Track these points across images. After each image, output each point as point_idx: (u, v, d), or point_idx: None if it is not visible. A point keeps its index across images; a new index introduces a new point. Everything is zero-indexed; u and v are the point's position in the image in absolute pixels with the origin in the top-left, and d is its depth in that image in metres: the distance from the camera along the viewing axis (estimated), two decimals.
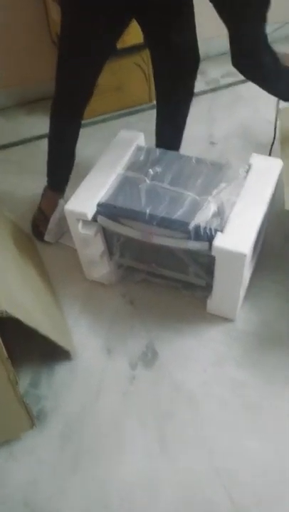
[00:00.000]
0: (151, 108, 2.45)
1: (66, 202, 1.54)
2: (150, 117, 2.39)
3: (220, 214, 1.47)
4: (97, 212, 1.52)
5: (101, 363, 1.55)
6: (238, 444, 1.36)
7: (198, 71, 2.63)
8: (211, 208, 1.48)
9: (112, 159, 1.63)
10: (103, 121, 2.39)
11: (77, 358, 1.56)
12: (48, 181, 1.90)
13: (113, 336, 1.61)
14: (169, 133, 1.93)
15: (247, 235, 1.42)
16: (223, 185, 1.54)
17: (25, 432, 1.40)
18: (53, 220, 1.87)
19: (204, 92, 2.52)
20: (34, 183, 2.03)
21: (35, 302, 1.52)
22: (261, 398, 1.44)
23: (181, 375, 1.50)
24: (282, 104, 1.79)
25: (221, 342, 1.57)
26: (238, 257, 1.40)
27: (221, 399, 1.45)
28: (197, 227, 1.43)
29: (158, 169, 1.59)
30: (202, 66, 2.69)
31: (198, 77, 2.61)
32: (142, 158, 1.64)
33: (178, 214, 1.46)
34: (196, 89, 2.52)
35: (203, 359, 1.53)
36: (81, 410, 1.45)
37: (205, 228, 1.43)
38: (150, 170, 1.59)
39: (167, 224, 1.45)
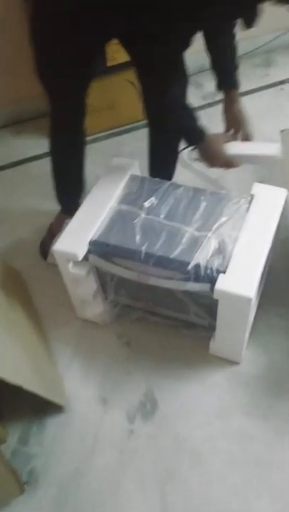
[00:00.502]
0: (144, 126, 2.33)
1: None
2: (144, 136, 2.27)
3: (221, 252, 1.34)
4: (89, 251, 1.40)
5: (96, 416, 1.42)
6: (247, 507, 1.24)
7: (196, 85, 2.53)
8: (212, 244, 1.35)
9: (103, 191, 1.50)
10: (95, 141, 2.26)
11: (70, 410, 1.43)
12: (60, 206, 1.81)
13: (108, 383, 1.48)
14: (163, 158, 1.82)
15: (251, 276, 1.29)
16: (223, 219, 1.41)
17: (15, 498, 1.28)
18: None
19: (201, 108, 2.39)
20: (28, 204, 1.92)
21: (23, 352, 1.40)
22: (271, 452, 1.32)
23: (183, 429, 1.38)
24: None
25: (226, 389, 1.45)
26: (242, 301, 1.28)
27: (228, 455, 1.32)
28: (197, 268, 1.31)
29: (154, 201, 1.47)
30: (198, 79, 2.59)
31: (195, 91, 2.52)
32: (136, 189, 1.52)
33: (176, 252, 1.34)
34: (193, 105, 2.41)
35: (207, 409, 1.41)
36: (75, 471, 1.32)
37: (206, 268, 1.30)
38: (145, 203, 1.46)
39: (165, 264, 1.33)
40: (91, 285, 1.48)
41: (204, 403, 1.42)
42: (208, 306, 1.41)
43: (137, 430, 1.38)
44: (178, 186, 1.51)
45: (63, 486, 1.30)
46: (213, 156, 1.49)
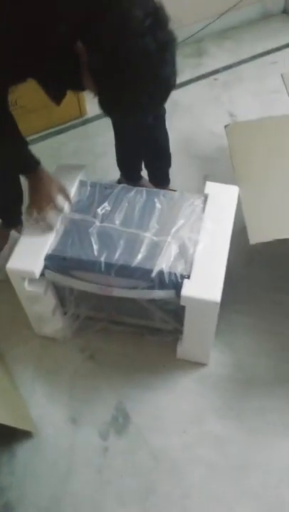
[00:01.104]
0: (82, 124, 2.25)
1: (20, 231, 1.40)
2: (83, 134, 2.20)
3: (183, 256, 1.31)
4: (45, 267, 1.32)
5: (67, 437, 1.36)
6: None
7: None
8: (172, 249, 1.32)
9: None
10: (32, 142, 2.15)
11: (39, 434, 1.36)
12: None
13: (76, 401, 1.42)
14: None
15: (215, 279, 1.27)
16: (180, 221, 1.38)
17: None
18: (3, 256, 1.65)
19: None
20: None
21: None
22: (248, 454, 1.32)
23: (159, 440, 1.35)
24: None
25: (197, 393, 1.43)
26: (209, 305, 1.25)
27: (206, 463, 1.31)
28: (161, 274, 1.27)
29: (107, 207, 1.41)
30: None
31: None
32: (86, 196, 1.45)
33: (137, 260, 1.29)
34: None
35: (180, 417, 1.39)
36: (52, 498, 1.27)
37: (170, 274, 1.27)
38: (98, 210, 1.40)
39: (127, 273, 1.28)
40: (49, 301, 1.41)
41: (177, 410, 1.40)
42: (174, 311, 1.38)
43: (111, 447, 1.34)
44: (130, 189, 1.46)
45: None
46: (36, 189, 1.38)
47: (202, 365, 1.48)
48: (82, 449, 1.34)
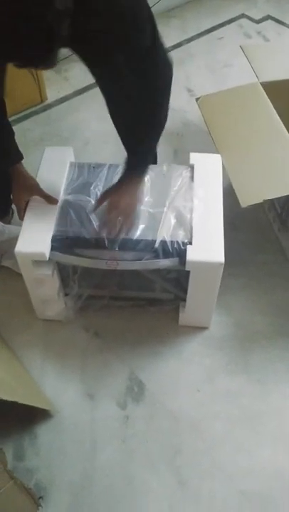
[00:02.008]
0: (43, 109, 2.23)
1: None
2: (46, 119, 2.19)
3: (182, 224, 1.36)
4: (51, 248, 1.33)
5: (86, 413, 1.39)
6: (253, 460, 1.31)
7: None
8: (171, 219, 1.37)
9: (47, 185, 1.43)
10: None
11: (58, 413, 1.38)
12: None
13: (89, 378, 1.45)
14: None
15: (217, 241, 1.34)
16: (173, 192, 1.43)
17: None
18: None
19: (95, 85, 2.32)
20: None
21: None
22: (261, 403, 1.40)
23: (175, 402, 1.40)
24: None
25: (203, 354, 1.49)
26: (214, 267, 1.31)
27: (223, 416, 1.38)
28: (164, 244, 1.31)
29: (99, 186, 1.43)
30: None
31: (85, 68, 2.45)
32: (77, 176, 1.47)
33: (138, 233, 1.34)
34: (86, 82, 2.36)
35: (191, 378, 1.45)
36: (82, 473, 1.29)
37: (172, 243, 1.32)
38: (91, 188, 1.42)
39: (131, 246, 1.32)
40: (55, 283, 1.42)
41: (187, 373, 1.46)
42: (176, 279, 1.43)
43: (131, 415, 1.38)
44: (117, 166, 1.49)
45: (74, 492, 1.26)
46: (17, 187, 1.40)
47: (204, 328, 1.54)
48: (103, 421, 1.37)
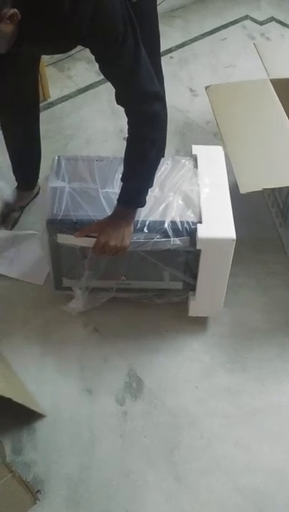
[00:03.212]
0: (46, 107, 2.24)
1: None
2: (50, 117, 2.20)
3: (190, 206, 1.37)
4: (61, 231, 1.34)
5: (85, 408, 1.39)
6: (251, 456, 1.31)
7: (86, 60, 2.48)
8: (179, 201, 1.38)
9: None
10: None
11: (56, 408, 1.39)
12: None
13: (88, 373, 1.45)
14: None
15: (227, 219, 1.34)
16: (177, 179, 1.43)
17: (29, 508, 1.22)
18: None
19: (99, 83, 2.36)
20: None
21: None
22: (259, 400, 1.41)
23: (173, 398, 1.41)
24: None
25: (202, 352, 1.50)
26: (226, 243, 1.32)
27: (221, 413, 1.38)
28: (174, 224, 1.32)
29: (104, 176, 1.43)
30: (88, 54, 2.51)
31: (88, 66, 2.47)
32: (82, 168, 1.46)
33: (148, 215, 1.34)
34: (89, 81, 2.37)
35: (190, 375, 1.45)
36: (80, 468, 1.29)
37: (182, 223, 1.32)
38: (97, 178, 1.42)
39: (141, 227, 1.32)
40: None
41: (185, 370, 1.46)
42: (184, 263, 1.41)
43: (130, 410, 1.38)
44: (121, 159, 1.48)
45: (72, 485, 1.26)
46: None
47: (202, 326, 1.55)
48: (101, 416, 1.38)
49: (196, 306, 1.51)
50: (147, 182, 1.30)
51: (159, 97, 1.23)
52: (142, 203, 1.31)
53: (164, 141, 1.69)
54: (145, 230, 1.32)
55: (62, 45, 1.16)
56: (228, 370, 1.46)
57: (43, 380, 1.44)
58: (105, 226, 1.30)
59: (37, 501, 1.21)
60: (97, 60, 1.17)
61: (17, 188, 1.85)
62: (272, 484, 1.27)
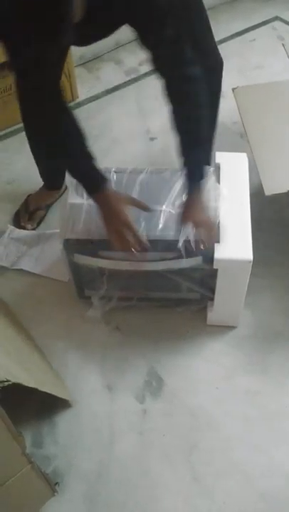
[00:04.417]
0: (74, 107, 2.26)
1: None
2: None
3: None
4: (74, 251, 1.35)
5: (105, 404, 1.41)
6: (270, 459, 1.31)
7: (115, 61, 2.50)
8: None
9: None
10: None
11: (77, 403, 1.40)
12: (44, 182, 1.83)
13: (109, 370, 1.47)
14: None
15: (244, 239, 1.34)
16: None
17: (47, 501, 1.24)
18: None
19: (127, 84, 2.37)
20: None
21: (19, 354, 1.34)
22: (278, 402, 1.40)
23: (193, 399, 1.41)
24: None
25: (223, 353, 1.49)
26: (243, 264, 1.31)
27: (241, 415, 1.38)
28: (187, 243, 1.31)
29: (121, 191, 1.43)
30: (116, 55, 2.56)
31: (116, 67, 2.49)
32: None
33: (161, 233, 1.32)
34: (117, 82, 2.39)
35: (210, 376, 1.45)
36: (99, 464, 1.31)
37: (196, 242, 1.31)
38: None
39: (153, 246, 1.30)
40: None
41: (206, 371, 1.46)
42: (200, 279, 1.43)
43: (149, 409, 1.39)
44: (139, 171, 1.46)
45: (91, 481, 1.28)
46: (109, 215, 1.27)
47: (225, 327, 1.54)
48: (121, 414, 1.39)
49: (214, 317, 1.52)
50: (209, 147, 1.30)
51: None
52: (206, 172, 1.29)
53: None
54: (159, 249, 1.30)
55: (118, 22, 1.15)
56: (249, 372, 1.45)
57: (65, 376, 1.46)
58: (194, 211, 1.28)
59: (55, 494, 1.23)
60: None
61: (44, 187, 1.87)
62: None
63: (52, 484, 1.21)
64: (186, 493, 1.26)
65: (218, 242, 1.31)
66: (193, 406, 1.40)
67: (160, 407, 1.40)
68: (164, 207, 1.38)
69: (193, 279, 1.43)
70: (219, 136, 2.12)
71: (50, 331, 1.55)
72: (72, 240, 1.34)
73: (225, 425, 1.36)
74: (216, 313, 1.50)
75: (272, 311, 1.58)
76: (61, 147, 1.25)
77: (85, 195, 1.36)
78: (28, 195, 1.87)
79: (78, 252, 1.34)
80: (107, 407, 1.40)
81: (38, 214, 1.84)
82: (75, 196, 1.42)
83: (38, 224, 1.83)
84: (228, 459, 1.31)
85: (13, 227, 1.80)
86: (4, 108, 2.16)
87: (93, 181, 1.26)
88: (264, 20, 2.68)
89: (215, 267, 1.31)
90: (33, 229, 1.81)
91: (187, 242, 1.31)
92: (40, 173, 1.82)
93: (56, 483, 1.24)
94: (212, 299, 1.45)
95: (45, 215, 1.85)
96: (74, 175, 1.27)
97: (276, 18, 2.72)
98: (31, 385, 1.16)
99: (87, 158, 1.24)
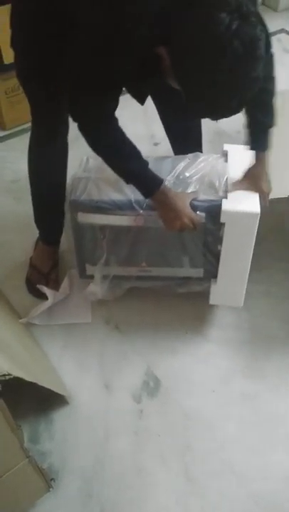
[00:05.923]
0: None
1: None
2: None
3: (212, 187, 1.37)
4: (79, 210, 1.37)
5: (101, 402, 1.42)
6: (265, 462, 1.32)
7: None
8: (203, 182, 1.38)
9: None
10: None
11: (74, 400, 1.41)
12: (40, 234, 1.69)
13: (107, 369, 1.48)
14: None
15: (252, 197, 1.34)
16: (205, 168, 1.43)
17: (42, 496, 1.24)
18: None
19: None
20: None
21: (20, 349, 1.35)
22: (276, 407, 1.41)
23: (190, 400, 1.42)
24: None
25: (220, 356, 1.51)
26: (250, 218, 1.31)
27: (236, 418, 1.39)
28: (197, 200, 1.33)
29: None
30: None
31: None
32: None
33: None
34: None
35: (207, 378, 1.46)
36: (94, 460, 1.31)
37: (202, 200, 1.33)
38: None
39: None
40: None
41: (203, 373, 1.47)
42: (205, 245, 1.41)
43: (145, 409, 1.40)
44: (163, 158, 1.49)
45: (86, 477, 1.29)
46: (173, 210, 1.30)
47: (222, 331, 1.56)
48: (117, 412, 1.40)
49: (218, 293, 1.48)
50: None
51: None
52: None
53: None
54: None
55: None
56: (246, 376, 1.47)
57: (63, 373, 1.47)
58: (258, 177, 1.36)
59: (50, 489, 1.23)
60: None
61: (43, 243, 1.71)
62: (284, 492, 1.27)
63: (48, 479, 1.22)
64: (179, 492, 1.27)
65: (226, 198, 1.33)
66: (190, 408, 1.41)
67: (156, 408, 1.41)
68: (171, 178, 1.39)
69: (197, 245, 1.41)
70: (222, 144, 2.15)
71: (49, 328, 1.56)
72: (77, 201, 1.37)
73: (220, 427, 1.37)
74: (219, 289, 1.46)
75: (270, 316, 1.60)
76: (118, 152, 1.32)
77: (93, 172, 1.43)
78: (30, 258, 1.71)
79: (82, 211, 1.36)
80: (104, 405, 1.41)
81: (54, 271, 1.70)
82: (81, 173, 1.45)
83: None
84: (222, 460, 1.32)
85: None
86: (11, 108, 2.19)
87: (152, 180, 1.29)
88: (269, 32, 2.71)
89: (222, 220, 1.31)
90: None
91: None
92: (40, 222, 1.66)
93: (52, 478, 1.25)
94: (215, 276, 1.44)
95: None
96: (131, 178, 1.29)
97: (282, 31, 2.77)
98: (30, 379, 1.17)
99: (142, 159, 1.30)
